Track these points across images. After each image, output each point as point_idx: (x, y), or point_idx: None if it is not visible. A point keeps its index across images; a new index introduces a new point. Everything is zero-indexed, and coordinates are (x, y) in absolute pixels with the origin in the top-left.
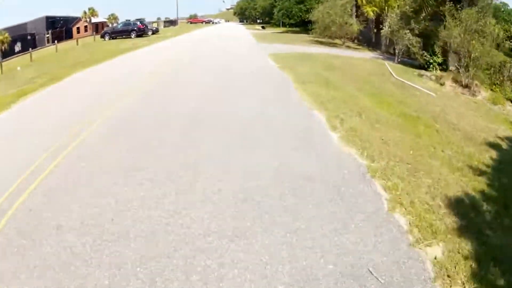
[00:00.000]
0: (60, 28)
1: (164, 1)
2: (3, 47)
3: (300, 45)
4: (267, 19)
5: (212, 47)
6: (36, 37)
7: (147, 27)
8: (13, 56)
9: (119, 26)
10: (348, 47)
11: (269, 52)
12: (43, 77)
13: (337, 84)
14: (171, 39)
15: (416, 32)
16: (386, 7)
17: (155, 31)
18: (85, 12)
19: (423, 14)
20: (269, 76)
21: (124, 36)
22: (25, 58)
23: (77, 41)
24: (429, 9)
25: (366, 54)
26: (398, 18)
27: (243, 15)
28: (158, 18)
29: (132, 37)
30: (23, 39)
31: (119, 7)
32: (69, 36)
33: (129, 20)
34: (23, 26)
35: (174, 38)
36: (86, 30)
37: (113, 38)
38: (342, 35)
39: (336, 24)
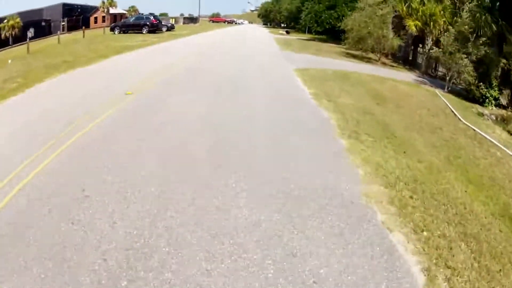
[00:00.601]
0: (77, 17)
1: None
2: (13, 32)
3: (331, 58)
4: (292, 23)
5: (227, 55)
6: (52, 24)
7: (160, 22)
8: (16, 44)
9: (131, 20)
10: (384, 64)
11: (295, 66)
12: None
13: (402, 136)
14: (184, 38)
15: (474, 58)
16: (431, 22)
17: (170, 28)
18: (103, 2)
19: (483, 38)
20: (298, 113)
21: (135, 31)
22: (29, 46)
23: (83, 32)
24: (489, 31)
25: (407, 76)
26: (453, 38)
27: (267, 18)
28: (181, 14)
29: (144, 32)
30: (37, 25)
31: (142, 0)
32: (86, 25)
33: (142, 14)
34: (38, 11)
35: (188, 37)
36: (104, 21)
37: (123, 32)
38: (379, 49)
39: (373, 36)
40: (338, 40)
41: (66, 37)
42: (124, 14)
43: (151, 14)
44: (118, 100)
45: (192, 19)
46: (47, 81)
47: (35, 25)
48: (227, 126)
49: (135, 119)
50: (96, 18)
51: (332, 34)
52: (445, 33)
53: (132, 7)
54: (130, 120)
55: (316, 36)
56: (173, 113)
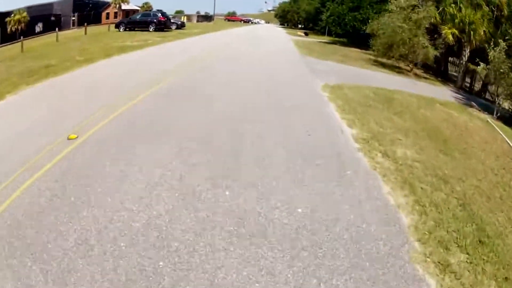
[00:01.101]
0: (88, 12)
1: None
2: (19, 27)
3: (360, 67)
4: (310, 25)
5: (235, 65)
6: (62, 18)
7: (169, 20)
8: (18, 40)
9: (137, 17)
10: (417, 75)
11: (323, 81)
12: None
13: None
14: (192, 38)
15: None
16: (470, 31)
17: (180, 26)
18: None
19: None
20: (341, 209)
21: (142, 29)
22: (28, 43)
23: (85, 30)
24: None
25: (444, 92)
26: (504, 55)
27: (284, 18)
28: (197, 12)
29: (150, 30)
30: (46, 20)
31: None
32: (97, 20)
33: (149, 11)
34: (48, 6)
35: (197, 37)
36: (115, 17)
37: (129, 30)
38: (413, 59)
39: (408, 44)
40: (361, 44)
41: (68, 34)
42: (138, 10)
43: (159, 10)
44: (49, 154)
45: (206, 17)
46: None
47: (44, 20)
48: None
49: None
50: (108, 14)
51: (354, 37)
52: (494, 47)
53: (146, 3)
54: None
55: (337, 38)
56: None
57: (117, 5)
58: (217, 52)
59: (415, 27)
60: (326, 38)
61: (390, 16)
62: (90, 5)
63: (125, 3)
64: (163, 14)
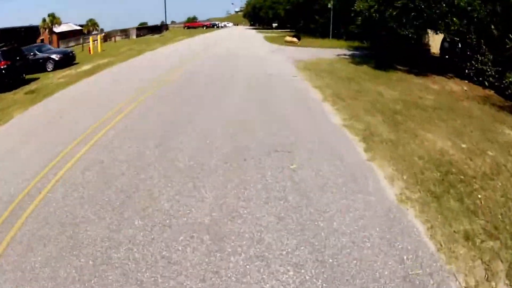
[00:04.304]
0: (19, 41)
1: (172, 3)
2: None
3: None
4: (288, 25)
5: None
6: None
7: (23, 59)
8: None
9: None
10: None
11: None
12: None
13: None
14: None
15: None
16: None
17: (63, 60)
18: (44, 20)
19: None
20: None
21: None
22: None
23: None
24: None
25: None
26: None
27: (256, 17)
28: (162, 22)
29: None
30: None
31: (118, 11)
32: None
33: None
34: None
35: (82, 83)
36: (50, 42)
37: None
38: None
39: None
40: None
41: None
42: (80, 29)
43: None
44: None
45: (154, 29)
46: None
47: None
48: None
49: None
50: (42, 40)
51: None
52: None
53: (91, 20)
54: None
55: (351, 43)
56: None
57: (46, 29)
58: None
59: None
60: (336, 44)
61: None
62: (22, 33)
63: (56, 25)
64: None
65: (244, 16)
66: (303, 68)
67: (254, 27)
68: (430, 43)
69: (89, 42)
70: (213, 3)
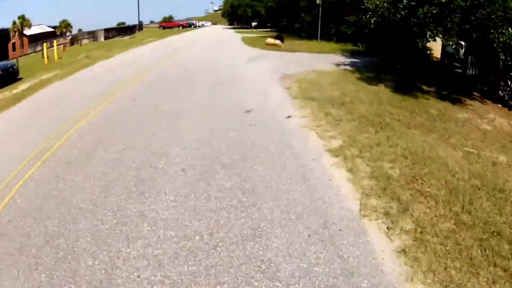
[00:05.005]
0: None
1: (151, 3)
2: None
3: None
4: (268, 24)
5: None
6: None
7: None
8: None
9: None
10: None
11: None
12: None
13: None
14: None
15: None
16: None
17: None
18: (14, 23)
19: None
20: None
21: None
22: None
23: None
24: None
25: None
26: None
27: (234, 16)
28: (119, 24)
29: None
30: None
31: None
32: (5, 56)
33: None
34: None
35: None
36: (22, 46)
37: None
38: None
39: None
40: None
41: None
42: (53, 31)
43: None
44: None
45: (126, 30)
46: None
47: None
48: None
49: None
50: (14, 44)
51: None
52: None
53: (64, 21)
54: None
55: (343, 46)
56: None
57: (16, 32)
58: None
59: None
60: (328, 47)
61: None
62: None
63: (26, 28)
64: None
65: (223, 15)
66: (299, 94)
67: (232, 26)
68: (431, 46)
69: (52, 48)
70: (192, 2)
